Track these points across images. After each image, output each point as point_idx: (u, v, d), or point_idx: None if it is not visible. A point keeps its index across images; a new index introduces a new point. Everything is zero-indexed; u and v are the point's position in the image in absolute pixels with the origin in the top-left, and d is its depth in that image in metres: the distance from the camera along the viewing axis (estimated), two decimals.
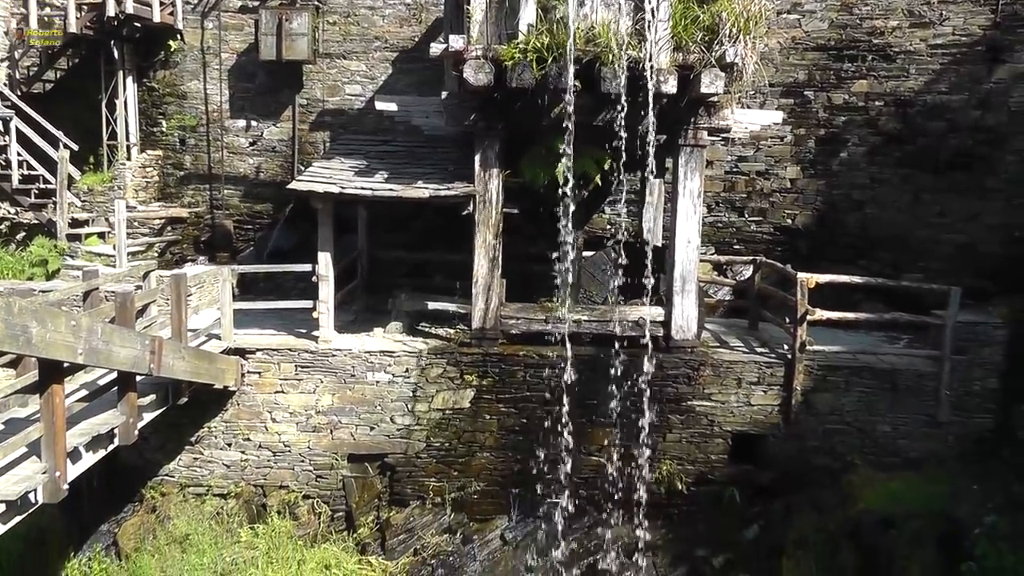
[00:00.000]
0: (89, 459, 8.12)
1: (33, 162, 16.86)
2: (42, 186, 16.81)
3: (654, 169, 10.96)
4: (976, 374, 11.52)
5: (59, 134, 16.71)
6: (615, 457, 11.36)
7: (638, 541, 11.15)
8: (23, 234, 16.95)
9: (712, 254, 15.01)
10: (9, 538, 9.53)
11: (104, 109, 17.56)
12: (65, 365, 6.84)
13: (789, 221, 15.38)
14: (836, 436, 11.54)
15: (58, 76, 19.14)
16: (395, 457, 11.64)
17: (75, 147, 16.82)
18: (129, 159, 17.23)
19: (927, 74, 14.57)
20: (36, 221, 16.74)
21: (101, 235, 16.65)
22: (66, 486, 7.17)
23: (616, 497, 11.28)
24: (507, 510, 11.73)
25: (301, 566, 10.92)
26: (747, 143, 15.20)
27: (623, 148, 10.32)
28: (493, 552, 11.46)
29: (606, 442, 11.39)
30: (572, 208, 10.78)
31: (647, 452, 11.20)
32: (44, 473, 6.89)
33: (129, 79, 17.29)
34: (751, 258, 13.70)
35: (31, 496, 6.89)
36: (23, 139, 16.84)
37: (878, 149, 14.90)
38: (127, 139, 17.39)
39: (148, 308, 11.04)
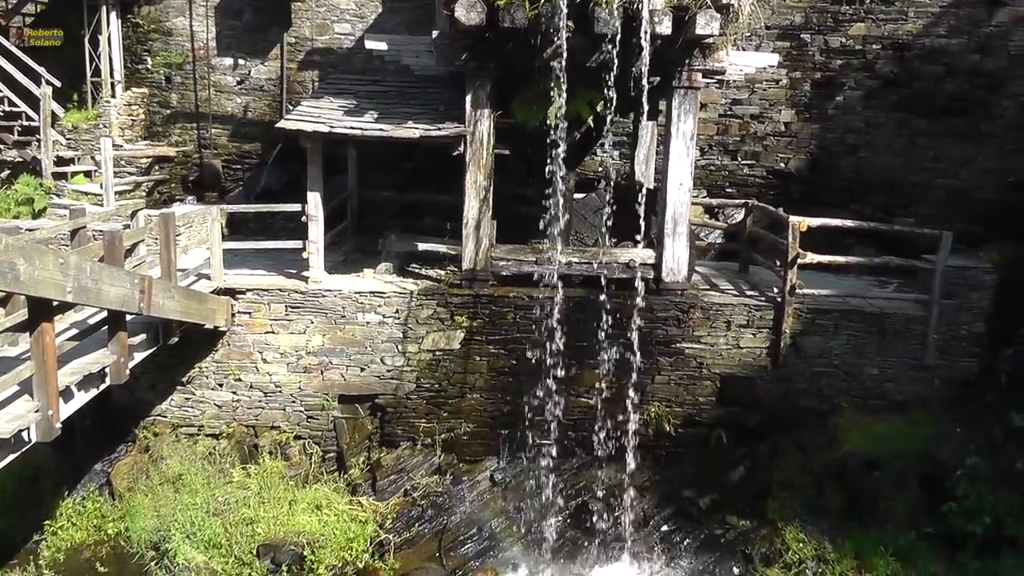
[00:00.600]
0: (81, 398, 8.18)
1: (15, 98, 16.67)
2: (25, 123, 16.65)
3: (647, 111, 10.90)
4: (964, 318, 11.68)
5: (41, 70, 16.48)
6: (604, 399, 11.51)
7: (626, 482, 11.34)
8: (7, 172, 16.85)
9: (704, 197, 15.03)
10: (3, 476, 9.72)
11: (87, 45, 17.27)
12: (54, 303, 6.83)
13: (782, 165, 15.38)
14: (823, 379, 11.73)
15: (39, 10, 18.83)
16: (385, 398, 11.77)
17: (58, 83, 16.61)
18: (114, 97, 17.02)
19: (926, 17, 14.44)
20: (20, 159, 16.61)
21: (87, 174, 16.55)
22: (59, 425, 7.22)
23: (605, 438, 11.44)
24: (497, 451, 11.91)
25: (292, 506, 11.08)
26: (742, 86, 15.11)
27: (616, 90, 10.25)
28: (482, 493, 11.64)
29: (595, 384, 11.51)
30: (564, 150, 10.74)
31: (636, 394, 11.33)
32: (36, 412, 6.93)
33: (112, 14, 16.98)
34: (743, 201, 13.74)
35: (24, 434, 6.95)
36: (3, 75, 16.61)
37: (874, 93, 14.83)
38: (111, 76, 17.14)
39: (137, 247, 11.00)
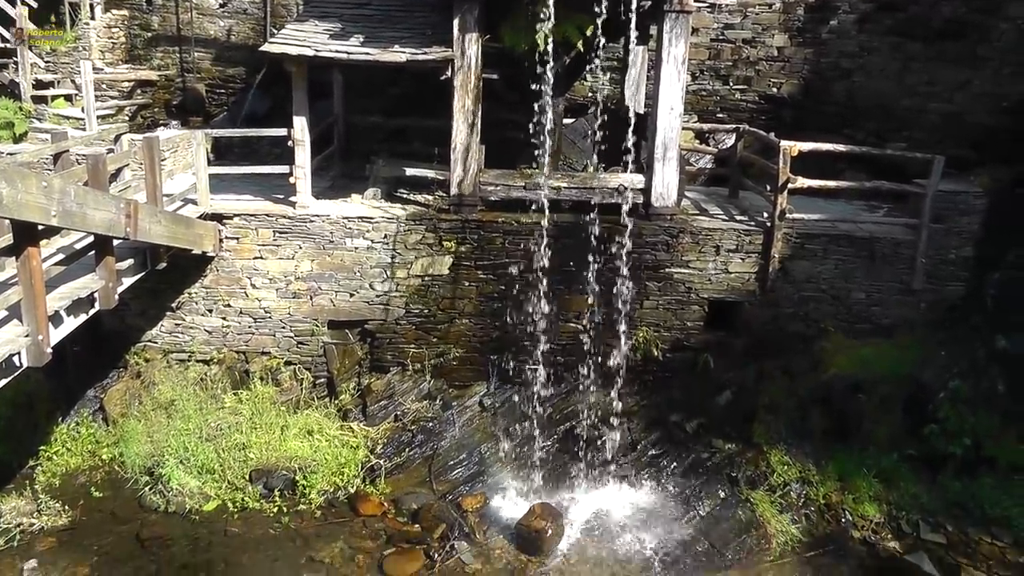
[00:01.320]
0: (71, 323, 8.23)
1: None
2: (1, 45, 16.40)
3: (638, 35, 10.77)
4: (952, 242, 11.80)
5: None
6: (592, 324, 11.66)
7: (613, 406, 11.55)
8: None
9: (695, 122, 14.99)
10: None
11: None
12: (40, 228, 6.85)
13: (775, 90, 15.31)
14: (811, 303, 11.89)
15: None
16: (375, 323, 11.89)
17: (34, 3, 16.33)
18: (93, 19, 16.78)
19: None
20: None
21: (68, 98, 16.47)
22: (49, 350, 7.27)
23: (592, 364, 11.62)
24: (486, 377, 12.09)
25: (284, 431, 11.29)
26: (734, 10, 14.99)
27: (607, 14, 10.11)
28: (472, 418, 11.85)
29: (583, 309, 11.66)
30: (552, 75, 10.65)
31: (624, 319, 11.48)
32: (27, 336, 6.99)
33: None
34: (734, 126, 13.66)
35: (15, 359, 7.01)
36: None
37: (869, 17, 14.66)
38: None
39: (121, 172, 11.02)
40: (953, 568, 9.53)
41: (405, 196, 12.40)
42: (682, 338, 12.01)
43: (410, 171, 12.47)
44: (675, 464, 11.23)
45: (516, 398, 11.87)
